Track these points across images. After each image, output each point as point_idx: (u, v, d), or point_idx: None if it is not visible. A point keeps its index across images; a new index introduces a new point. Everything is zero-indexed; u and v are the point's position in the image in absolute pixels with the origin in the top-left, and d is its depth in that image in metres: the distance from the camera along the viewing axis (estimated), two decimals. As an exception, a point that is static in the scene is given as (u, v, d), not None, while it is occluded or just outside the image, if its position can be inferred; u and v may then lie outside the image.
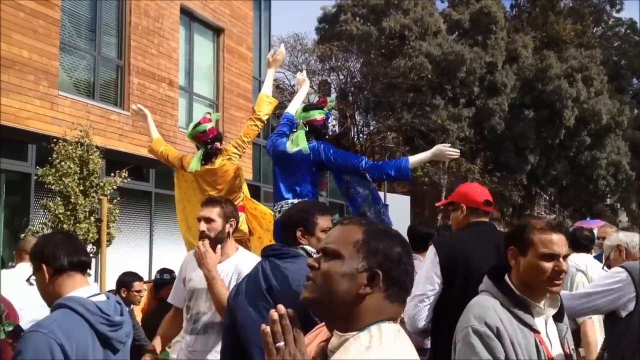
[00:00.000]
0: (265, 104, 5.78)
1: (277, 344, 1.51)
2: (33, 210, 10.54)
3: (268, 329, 1.53)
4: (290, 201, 5.26)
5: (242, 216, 5.70)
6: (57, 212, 8.76)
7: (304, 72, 6.26)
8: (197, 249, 3.73)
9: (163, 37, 13.54)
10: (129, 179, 9.90)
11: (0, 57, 10.06)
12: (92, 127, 11.40)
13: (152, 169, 13.29)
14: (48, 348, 2.41)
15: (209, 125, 5.66)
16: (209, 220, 3.77)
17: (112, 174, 9.58)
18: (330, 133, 6.14)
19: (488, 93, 32.15)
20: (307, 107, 5.68)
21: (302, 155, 5.23)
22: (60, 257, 2.64)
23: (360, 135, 33.08)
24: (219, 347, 3.36)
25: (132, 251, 12.47)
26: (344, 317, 1.61)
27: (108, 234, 8.99)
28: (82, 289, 2.67)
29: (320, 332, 1.76)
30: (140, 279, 6.66)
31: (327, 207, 3.58)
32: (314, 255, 1.73)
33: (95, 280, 8.80)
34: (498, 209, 37.02)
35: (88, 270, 2.79)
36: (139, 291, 6.46)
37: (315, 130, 5.44)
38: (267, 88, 5.93)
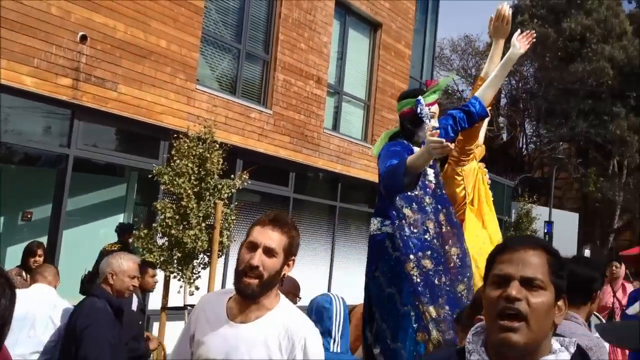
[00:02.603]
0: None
1: None
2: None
3: None
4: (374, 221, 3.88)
5: None
6: (165, 215, 7.45)
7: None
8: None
9: (314, 31, 12.02)
10: (249, 181, 8.41)
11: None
12: (227, 124, 10.19)
13: (292, 173, 11.82)
14: None
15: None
16: (270, 252, 2.21)
17: (232, 176, 8.12)
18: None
19: (678, 103, 27.68)
20: (401, 96, 4.13)
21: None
22: None
23: (530, 145, 30.03)
24: None
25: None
26: None
27: (220, 242, 7.57)
28: None
29: None
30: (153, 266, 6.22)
31: None
32: None
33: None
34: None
35: None
36: (153, 276, 5.95)
37: (402, 126, 3.98)
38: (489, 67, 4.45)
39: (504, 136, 28.39)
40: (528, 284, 1.52)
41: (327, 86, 12.36)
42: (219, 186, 7.95)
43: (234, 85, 10.94)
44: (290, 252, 2.25)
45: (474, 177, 4.47)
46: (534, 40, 4.35)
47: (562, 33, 26.81)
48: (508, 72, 4.31)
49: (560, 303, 1.57)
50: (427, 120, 3.92)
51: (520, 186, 24.88)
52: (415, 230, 3.69)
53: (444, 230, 3.93)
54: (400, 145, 3.98)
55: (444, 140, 3.23)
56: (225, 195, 8.00)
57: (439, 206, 3.97)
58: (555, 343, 1.59)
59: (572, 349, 1.58)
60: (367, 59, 13.66)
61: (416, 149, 3.93)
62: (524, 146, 29.35)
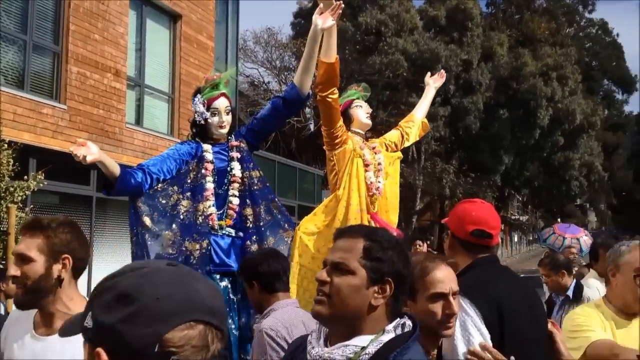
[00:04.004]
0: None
1: None
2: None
3: None
4: None
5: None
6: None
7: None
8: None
9: (109, 22, 11.59)
10: (45, 182, 7.98)
11: None
12: (15, 120, 9.54)
13: (93, 171, 11.33)
14: None
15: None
16: (23, 259, 2.18)
17: (26, 177, 7.64)
18: (210, 126, 4.04)
19: (463, 91, 30.68)
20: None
21: None
22: None
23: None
24: None
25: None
26: None
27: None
28: None
29: None
30: None
31: None
32: None
33: None
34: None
35: None
36: None
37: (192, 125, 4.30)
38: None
39: (312, 126, 29.42)
40: (335, 268, 1.72)
41: (126, 79, 11.99)
42: (11, 189, 7.46)
43: (21, 80, 10.22)
44: (54, 251, 2.20)
45: (344, 162, 4.32)
46: (341, 11, 4.08)
47: (359, 27, 28.41)
48: (316, 50, 4.01)
49: (382, 287, 1.71)
50: (200, 116, 4.03)
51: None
52: (149, 238, 3.79)
53: (261, 224, 4.07)
54: (178, 146, 4.13)
55: (79, 147, 3.48)
56: (19, 198, 7.53)
57: (247, 201, 4.07)
58: (390, 325, 1.72)
59: (399, 331, 1.71)
60: (169, 51, 13.46)
61: (207, 147, 4.08)
62: (331, 136, 30.75)
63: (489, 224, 2.65)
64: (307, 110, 27.67)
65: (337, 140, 4.27)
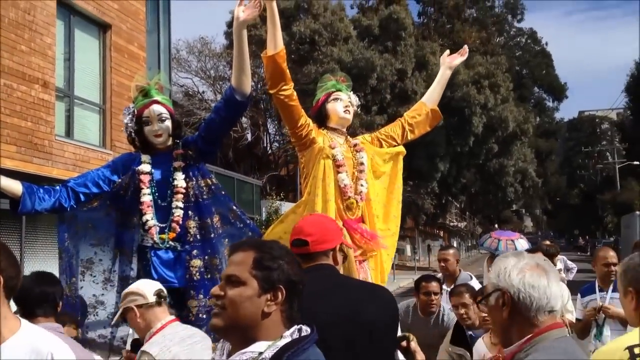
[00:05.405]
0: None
1: None
2: None
3: None
4: None
5: None
6: None
7: None
8: None
9: (36, 32, 11.50)
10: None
11: None
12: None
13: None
14: None
15: None
16: None
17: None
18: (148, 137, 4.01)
19: (399, 100, 31.41)
20: None
21: None
22: None
23: (274, 144, 31.69)
24: None
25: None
26: None
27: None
28: None
29: None
30: None
31: None
32: None
33: None
34: (412, 218, 36.43)
35: None
36: None
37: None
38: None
39: (249, 136, 29.53)
40: (228, 280, 1.86)
41: (55, 90, 11.89)
42: None
43: (-57, 92, 10.05)
44: None
45: (311, 164, 3.94)
46: (261, 5, 3.73)
47: (293, 36, 28.77)
48: (244, 46, 3.72)
49: (274, 294, 1.83)
50: (126, 129, 4.02)
51: (268, 184, 26.12)
52: (75, 252, 3.95)
53: (211, 235, 3.95)
54: (113, 160, 4.21)
55: None
56: None
57: (190, 212, 3.95)
58: (287, 331, 1.83)
59: (296, 335, 1.83)
60: (99, 61, 13.40)
61: (145, 157, 4.00)
62: (269, 145, 30.86)
63: (303, 231, 2.58)
64: (244, 120, 27.80)
65: (302, 141, 3.92)
